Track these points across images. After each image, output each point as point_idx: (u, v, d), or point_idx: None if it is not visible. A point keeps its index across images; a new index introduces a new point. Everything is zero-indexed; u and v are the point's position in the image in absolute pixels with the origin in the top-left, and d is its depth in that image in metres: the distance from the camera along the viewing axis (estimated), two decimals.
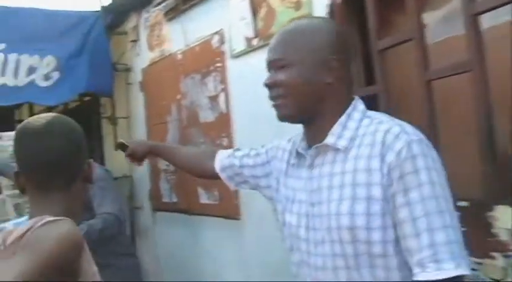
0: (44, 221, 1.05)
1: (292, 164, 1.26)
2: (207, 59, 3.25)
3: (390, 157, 1.03)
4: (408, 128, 1.08)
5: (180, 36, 3.55)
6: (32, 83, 3.75)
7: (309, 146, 1.20)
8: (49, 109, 4.98)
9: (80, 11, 4.11)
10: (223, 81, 3.12)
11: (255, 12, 2.79)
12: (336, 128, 1.14)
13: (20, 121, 5.18)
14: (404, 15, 2.09)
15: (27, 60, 3.74)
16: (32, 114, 5.43)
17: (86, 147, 1.27)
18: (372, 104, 1.91)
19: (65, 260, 1.02)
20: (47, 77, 3.79)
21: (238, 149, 1.52)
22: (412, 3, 2.00)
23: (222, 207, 3.15)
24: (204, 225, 3.39)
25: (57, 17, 3.96)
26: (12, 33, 3.75)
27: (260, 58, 2.81)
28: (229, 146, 3.05)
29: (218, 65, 3.15)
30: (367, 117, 1.15)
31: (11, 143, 3.67)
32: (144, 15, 4.03)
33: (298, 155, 1.24)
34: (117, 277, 2.70)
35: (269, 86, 1.20)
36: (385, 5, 2.15)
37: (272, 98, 1.20)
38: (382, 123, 1.10)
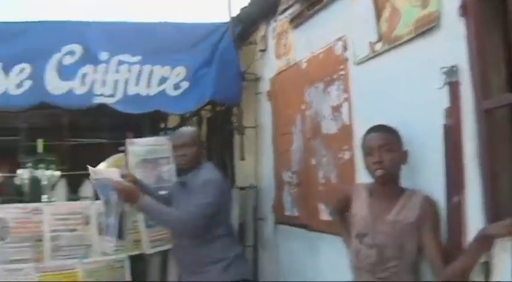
0: None
1: None
2: (330, 67, 3.07)
3: None
4: None
5: (305, 44, 3.41)
6: (162, 93, 3.88)
7: None
8: (184, 119, 5.20)
9: (210, 23, 4.17)
10: (346, 90, 2.92)
11: (378, 14, 2.56)
12: None
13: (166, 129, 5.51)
14: None
15: (159, 70, 3.89)
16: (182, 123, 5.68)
17: None
18: None
19: None
20: (176, 87, 3.90)
21: None
22: None
23: None
24: (323, 242, 3.20)
25: (187, 30, 4.09)
26: (147, 46, 3.94)
27: (384, 64, 2.60)
28: (351, 161, 2.84)
29: (341, 73, 2.96)
30: None
31: (143, 148, 3.88)
32: (272, 24, 3.98)
33: None
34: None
35: None
36: None
37: None
38: None
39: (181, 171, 3.22)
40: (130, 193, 2.87)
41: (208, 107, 4.70)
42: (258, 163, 4.32)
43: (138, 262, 3.64)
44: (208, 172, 3.03)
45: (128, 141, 3.69)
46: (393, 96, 2.48)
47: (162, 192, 3.30)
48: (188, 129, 3.36)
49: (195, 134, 3.21)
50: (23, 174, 4.28)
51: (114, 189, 2.88)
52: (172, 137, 3.27)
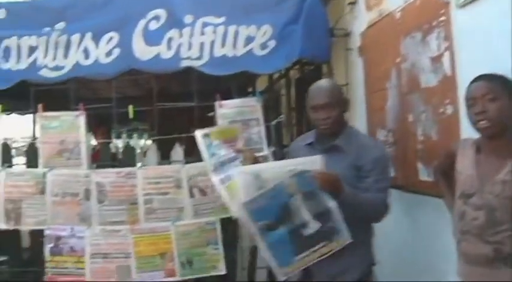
0: None
1: None
2: (429, 13, 2.80)
3: None
4: None
5: None
6: (249, 53, 3.77)
7: None
8: (273, 81, 5.09)
9: None
10: (447, 37, 2.65)
11: None
12: None
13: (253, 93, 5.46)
14: None
15: (244, 31, 3.78)
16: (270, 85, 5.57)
17: None
18: None
19: None
20: (263, 46, 3.77)
21: None
22: None
23: None
24: (422, 204, 2.98)
25: None
26: (231, 7, 3.83)
27: (493, 5, 2.30)
28: (454, 115, 2.59)
29: (442, 19, 2.68)
30: None
31: (232, 110, 3.81)
32: None
33: None
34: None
35: None
36: None
37: None
38: None
39: (320, 135, 2.68)
40: (336, 182, 2.30)
41: (297, 67, 4.54)
42: (350, 122, 4.09)
43: (229, 224, 3.62)
44: (369, 140, 2.71)
45: (216, 103, 3.64)
46: (503, 42, 2.19)
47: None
48: (328, 84, 2.70)
49: (338, 90, 2.69)
50: (118, 143, 4.42)
51: (319, 180, 2.28)
52: (310, 96, 2.65)
